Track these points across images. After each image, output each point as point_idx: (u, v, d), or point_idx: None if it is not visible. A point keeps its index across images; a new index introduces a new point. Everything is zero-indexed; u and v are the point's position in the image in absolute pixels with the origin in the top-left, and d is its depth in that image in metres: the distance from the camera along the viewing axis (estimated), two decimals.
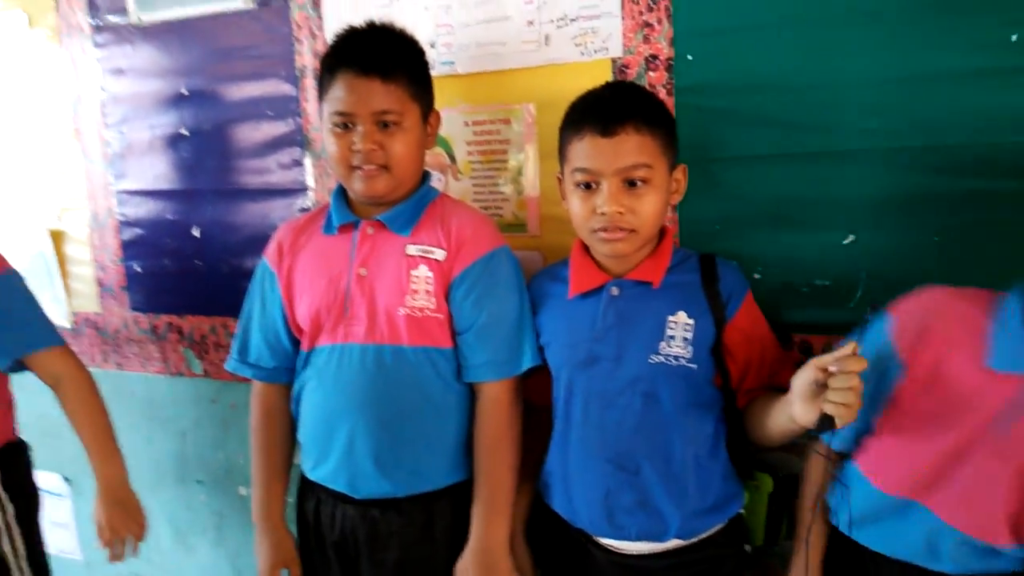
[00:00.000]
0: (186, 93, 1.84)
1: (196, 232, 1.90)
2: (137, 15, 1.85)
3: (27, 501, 1.62)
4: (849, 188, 1.31)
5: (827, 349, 1.07)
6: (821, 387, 1.03)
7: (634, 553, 1.27)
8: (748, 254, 1.39)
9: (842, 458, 1.20)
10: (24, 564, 1.59)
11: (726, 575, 1.29)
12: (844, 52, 1.28)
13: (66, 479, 2.23)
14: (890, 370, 1.09)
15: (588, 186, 1.22)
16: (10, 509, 1.57)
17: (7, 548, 1.57)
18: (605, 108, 1.22)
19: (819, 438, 1.13)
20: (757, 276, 1.40)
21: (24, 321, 1.55)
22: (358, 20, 1.37)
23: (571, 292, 1.30)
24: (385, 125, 1.30)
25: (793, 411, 1.09)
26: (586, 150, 1.21)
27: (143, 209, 1.95)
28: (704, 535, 1.27)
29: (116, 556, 1.58)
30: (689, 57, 1.39)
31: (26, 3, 2.00)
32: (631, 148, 1.19)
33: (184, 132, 1.86)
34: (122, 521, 1.57)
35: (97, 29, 1.92)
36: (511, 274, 1.36)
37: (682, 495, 1.24)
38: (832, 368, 1.02)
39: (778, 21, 1.32)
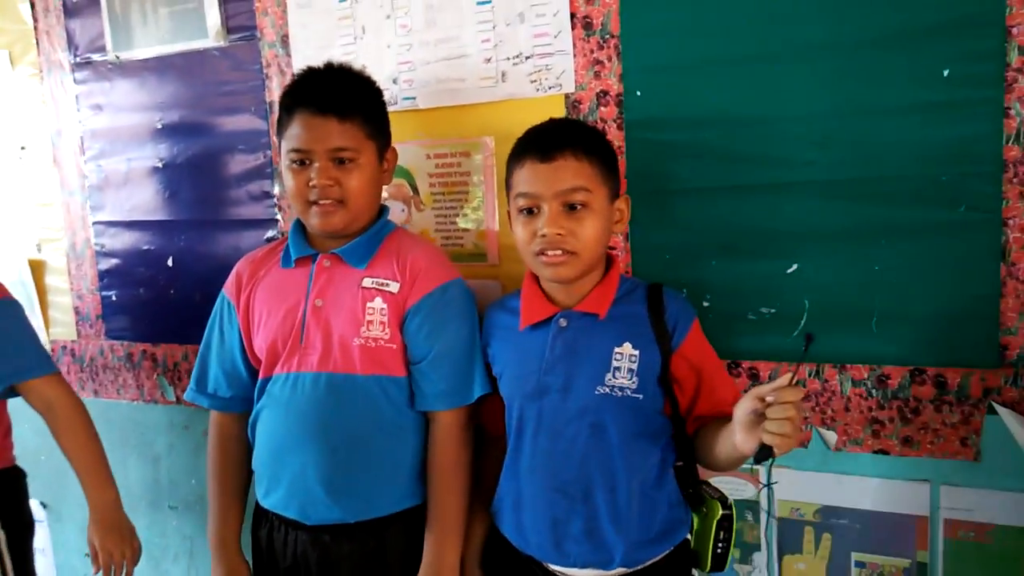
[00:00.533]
0: (160, 127, 1.88)
1: (170, 262, 1.92)
2: (114, 53, 1.89)
3: (21, 529, 1.63)
4: (792, 218, 1.34)
5: (773, 376, 1.08)
6: (760, 416, 1.05)
7: None
8: (697, 282, 1.41)
9: None
10: None
11: None
12: (786, 87, 1.31)
13: (43, 505, 2.23)
14: None
15: (531, 211, 1.24)
16: (1, 536, 1.58)
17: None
18: (545, 137, 1.25)
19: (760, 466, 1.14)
20: (706, 304, 1.41)
21: (20, 348, 1.58)
22: (324, 57, 1.40)
23: (521, 324, 1.31)
24: (341, 162, 1.32)
25: (735, 440, 1.10)
26: (527, 176, 1.24)
27: (119, 240, 1.98)
28: (649, 562, 1.27)
29: None
30: (638, 93, 1.42)
31: (9, 42, 2.04)
32: (569, 173, 1.21)
33: (159, 164, 1.89)
34: (116, 545, 1.58)
35: (76, 66, 1.96)
36: (463, 306, 1.38)
37: (627, 524, 1.24)
38: (769, 398, 1.03)
39: (722, 58, 1.35)
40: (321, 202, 1.32)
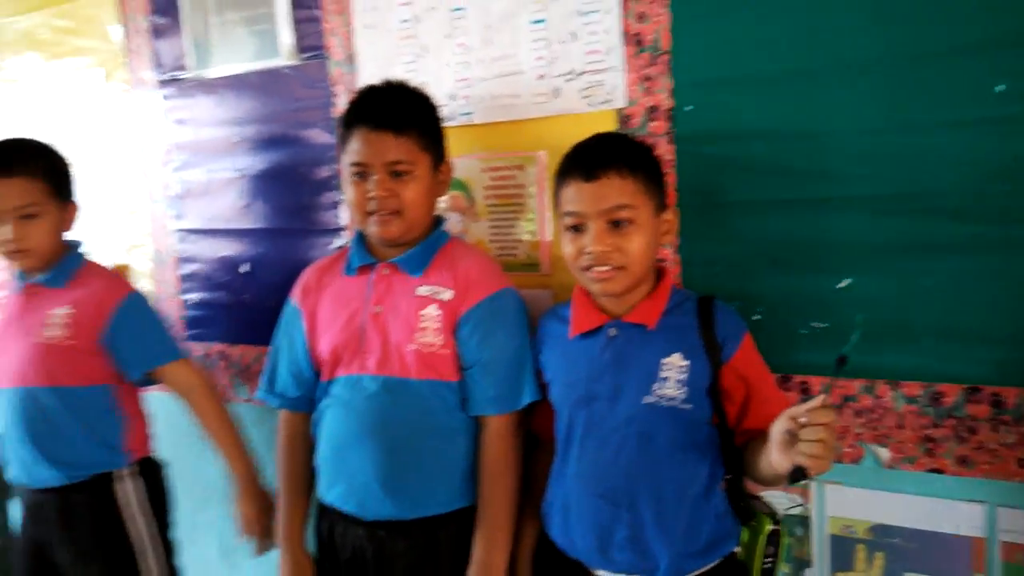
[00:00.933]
0: (237, 140, 1.97)
1: (245, 268, 2.02)
2: (196, 71, 2.00)
3: (162, 518, 1.76)
4: (844, 233, 1.32)
5: (827, 390, 1.07)
6: (794, 437, 1.05)
7: None
8: (749, 295, 1.41)
9: None
10: None
11: None
12: (836, 103, 1.30)
13: None
14: None
15: (577, 228, 1.27)
16: (153, 525, 1.72)
17: (149, 564, 1.70)
18: (588, 155, 1.27)
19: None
20: (757, 317, 1.41)
21: (155, 336, 1.72)
22: (388, 75, 1.47)
23: (572, 332, 1.34)
24: (397, 174, 1.38)
25: (772, 459, 1.10)
26: (572, 195, 1.26)
27: (199, 246, 2.09)
28: (696, 573, 1.27)
29: (263, 547, 1.71)
30: (688, 108, 1.42)
31: (102, 60, 2.17)
32: (613, 190, 1.23)
33: (236, 176, 1.99)
34: (252, 515, 1.71)
35: (163, 83, 2.08)
36: (515, 314, 1.42)
37: (673, 534, 1.25)
38: (802, 419, 1.03)
39: (773, 73, 1.34)
40: (379, 213, 1.38)
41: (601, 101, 1.49)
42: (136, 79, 2.12)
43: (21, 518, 1.74)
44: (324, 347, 1.47)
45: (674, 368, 1.26)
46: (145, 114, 2.13)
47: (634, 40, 1.45)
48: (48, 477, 1.64)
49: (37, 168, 1.64)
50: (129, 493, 1.68)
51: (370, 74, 1.73)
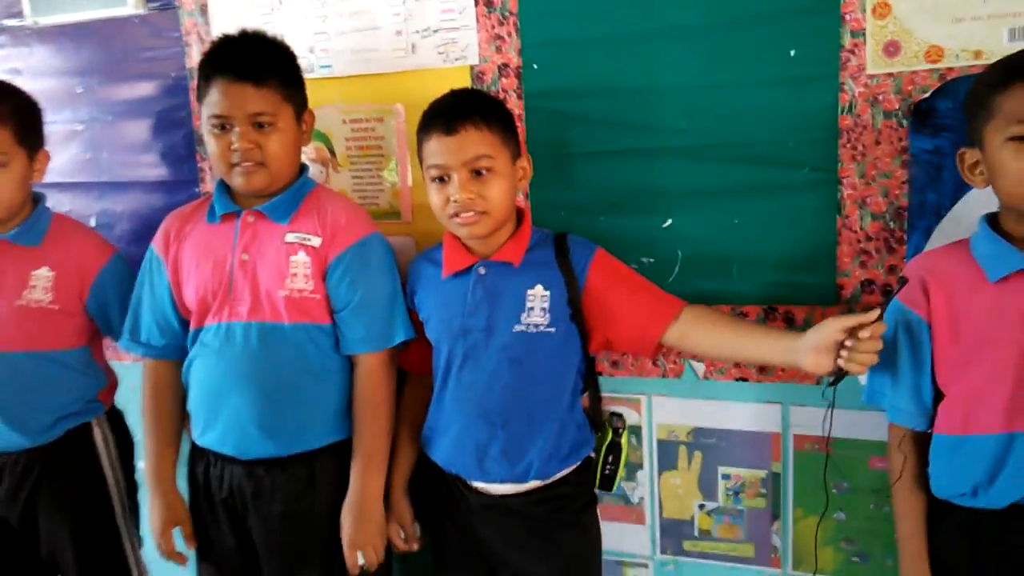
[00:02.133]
0: (80, 92, 1.89)
1: (92, 222, 1.94)
2: (33, 18, 1.88)
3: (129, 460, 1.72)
4: (666, 179, 1.49)
5: (882, 307, 1.13)
6: (839, 344, 1.16)
7: (500, 493, 1.41)
8: (589, 235, 1.51)
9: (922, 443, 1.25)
10: None
11: (577, 509, 1.44)
12: (662, 63, 1.45)
13: None
14: (920, 333, 1.20)
15: (442, 179, 1.35)
16: (120, 468, 1.69)
17: (122, 503, 1.68)
18: (448, 110, 1.35)
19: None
20: None
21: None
22: (243, 26, 1.45)
23: (444, 273, 1.42)
24: (260, 125, 1.37)
25: (801, 359, 1.20)
26: (435, 148, 1.34)
27: None
28: (559, 475, 1.42)
29: None
30: (535, 66, 1.53)
31: None
32: (473, 142, 1.32)
33: (79, 128, 1.90)
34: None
35: None
36: (382, 258, 1.47)
37: (542, 444, 1.38)
38: (863, 333, 1.12)
39: (608, 36, 1.48)
40: (243, 164, 1.38)
41: (456, 58, 1.57)
42: None
43: None
44: (190, 295, 1.46)
45: (537, 298, 1.38)
46: None
47: (485, 1, 1.54)
48: (27, 439, 1.57)
49: (5, 111, 1.49)
50: (103, 440, 1.64)
51: (224, 25, 1.71)
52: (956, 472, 1.19)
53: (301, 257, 1.42)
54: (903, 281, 1.14)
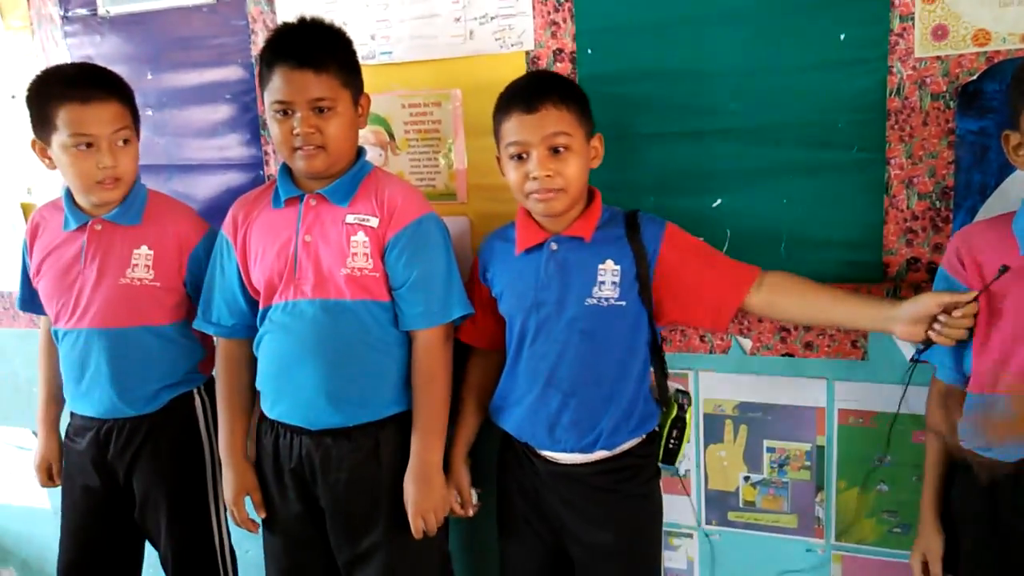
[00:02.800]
0: (151, 78, 1.96)
1: None
2: (105, 8, 1.96)
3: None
4: (717, 160, 1.52)
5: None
6: (930, 317, 1.22)
7: (568, 462, 1.46)
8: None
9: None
10: None
11: (641, 480, 1.49)
12: (712, 46, 1.49)
13: (34, 433, 2.31)
14: None
15: (520, 157, 1.39)
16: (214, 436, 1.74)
17: (215, 469, 1.73)
18: (528, 90, 1.39)
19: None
20: None
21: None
22: (306, 14, 1.50)
23: (517, 249, 1.47)
24: (320, 110, 1.42)
25: (894, 327, 1.26)
26: (515, 126, 1.38)
27: None
28: (625, 447, 1.46)
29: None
30: (589, 51, 1.58)
31: None
32: (552, 120, 1.36)
33: (149, 113, 1.98)
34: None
35: (67, 20, 2.02)
36: (438, 237, 1.51)
37: (611, 416, 1.43)
38: (956, 313, 1.19)
39: (659, 21, 1.51)
40: (304, 148, 1.43)
41: (512, 43, 1.62)
42: (38, 16, 2.05)
43: (74, 459, 1.72)
44: (258, 276, 1.53)
45: (608, 272, 1.42)
46: (48, 52, 2.06)
47: None
48: (134, 408, 1.65)
49: (128, 94, 1.62)
50: (202, 409, 1.72)
51: (289, 13, 1.77)
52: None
53: (360, 237, 1.47)
54: (1004, 269, 1.17)
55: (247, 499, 1.61)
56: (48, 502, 2.36)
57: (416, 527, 1.47)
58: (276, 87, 1.42)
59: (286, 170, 1.53)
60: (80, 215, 1.63)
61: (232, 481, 1.59)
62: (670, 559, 1.70)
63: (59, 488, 1.79)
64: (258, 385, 1.58)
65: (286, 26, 1.48)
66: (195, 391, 1.73)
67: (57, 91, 1.55)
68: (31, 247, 1.70)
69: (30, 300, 1.75)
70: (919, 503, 1.37)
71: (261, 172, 1.90)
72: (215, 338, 1.65)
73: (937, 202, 1.41)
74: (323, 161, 1.45)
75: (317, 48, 1.43)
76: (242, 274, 1.56)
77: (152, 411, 1.66)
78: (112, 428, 1.66)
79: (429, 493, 1.48)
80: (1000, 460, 1.22)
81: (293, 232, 1.50)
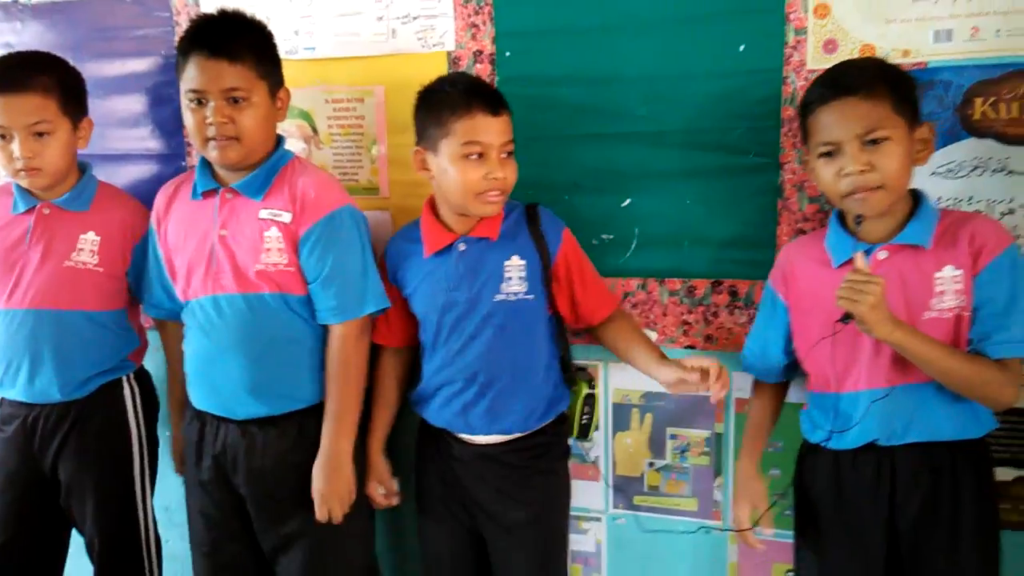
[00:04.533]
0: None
1: None
2: None
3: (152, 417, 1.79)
4: (627, 162, 1.56)
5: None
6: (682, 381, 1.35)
7: (482, 443, 1.50)
8: (556, 214, 1.62)
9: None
10: None
11: (552, 458, 1.55)
12: (624, 54, 1.53)
13: None
14: (778, 310, 1.39)
15: (480, 155, 1.39)
16: (143, 424, 1.74)
17: (142, 458, 1.73)
18: (492, 93, 1.42)
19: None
20: None
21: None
22: (227, 7, 1.49)
23: (426, 252, 1.48)
24: (235, 100, 1.40)
25: (660, 376, 1.41)
26: (479, 126, 1.38)
27: None
28: (537, 428, 1.51)
29: None
30: (507, 53, 1.60)
31: None
32: (508, 126, 1.41)
33: None
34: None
35: None
36: (352, 230, 1.48)
37: (523, 402, 1.48)
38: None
39: (575, 27, 1.55)
40: (218, 139, 1.40)
41: (433, 43, 1.64)
42: None
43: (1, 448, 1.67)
44: (179, 266, 1.52)
45: (515, 267, 1.45)
46: None
47: None
48: (63, 393, 1.62)
49: (51, 82, 1.55)
50: (130, 396, 1.69)
51: (213, 6, 1.74)
52: (818, 421, 1.37)
53: (274, 232, 1.45)
54: (846, 319, 1.23)
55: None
56: None
57: (321, 514, 1.47)
58: (191, 76, 1.40)
59: (205, 162, 1.51)
60: (29, 198, 1.61)
61: (175, 441, 1.72)
62: (579, 543, 1.74)
63: None
64: (187, 377, 1.57)
65: (204, 16, 1.47)
66: (124, 379, 1.71)
67: None
68: None
69: None
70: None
71: (183, 163, 1.87)
72: (161, 322, 1.67)
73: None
74: (237, 152, 1.43)
75: (233, 38, 1.41)
76: (165, 263, 1.55)
77: (81, 396, 1.64)
78: (39, 414, 1.64)
79: (335, 482, 1.47)
80: (840, 448, 1.33)
81: (210, 225, 1.48)
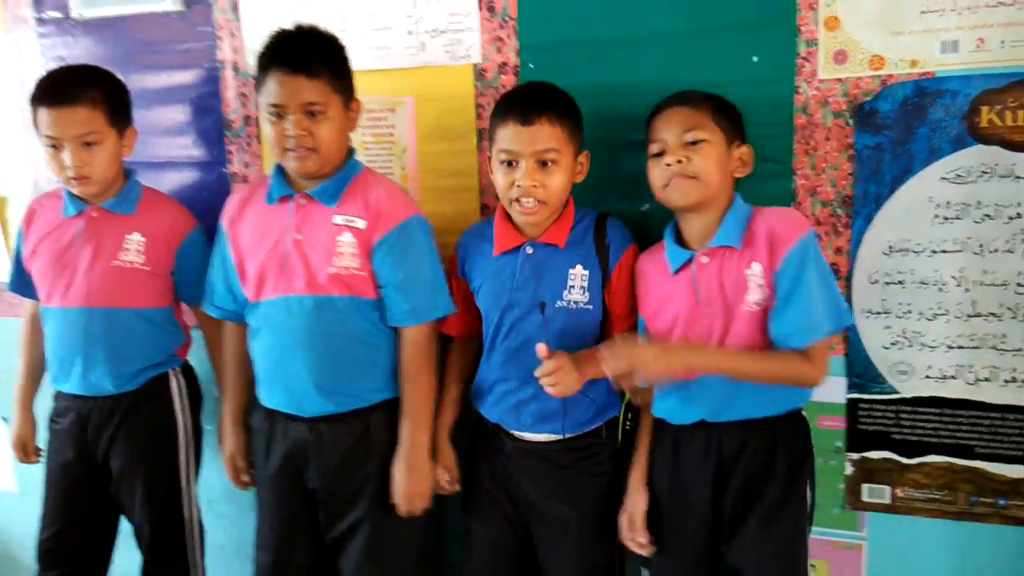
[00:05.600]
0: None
1: None
2: (78, 11, 2.02)
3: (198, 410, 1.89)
4: (644, 167, 1.62)
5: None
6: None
7: (533, 440, 1.56)
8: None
9: None
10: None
11: (600, 460, 1.58)
12: (643, 64, 1.61)
13: (3, 419, 2.35)
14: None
15: (510, 164, 1.46)
16: (189, 416, 1.83)
17: (188, 449, 1.83)
18: (526, 101, 1.47)
19: None
20: None
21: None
22: (271, 24, 1.57)
23: (495, 251, 1.55)
24: (312, 114, 1.46)
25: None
26: (509, 135, 1.44)
27: None
28: (588, 430, 1.56)
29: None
30: (531, 65, 1.68)
31: None
32: (545, 135, 1.43)
33: None
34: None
35: (40, 22, 2.07)
36: (423, 238, 1.56)
37: (574, 406, 1.52)
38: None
39: (596, 40, 1.63)
40: (296, 150, 1.47)
41: (461, 56, 1.72)
42: (12, 17, 2.10)
43: (56, 439, 1.78)
44: (251, 268, 1.58)
45: (578, 277, 1.51)
46: (21, 51, 2.11)
47: (487, 6, 1.69)
48: (115, 386, 1.72)
49: (98, 95, 1.65)
50: (177, 389, 1.79)
51: (253, 23, 1.86)
52: (661, 400, 1.49)
53: (347, 238, 1.52)
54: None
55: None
56: (16, 485, 2.39)
57: (404, 511, 1.55)
58: (271, 91, 1.47)
59: (280, 168, 1.57)
60: (78, 203, 1.71)
61: (229, 444, 1.71)
62: None
63: (28, 470, 1.86)
64: (256, 373, 1.63)
65: (282, 32, 1.51)
66: (171, 372, 1.80)
67: (36, 94, 1.65)
68: (27, 232, 1.77)
69: (19, 282, 1.82)
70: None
71: (224, 170, 1.97)
72: (222, 322, 1.72)
73: (838, 209, 1.54)
74: (314, 162, 1.50)
75: (310, 54, 1.47)
76: (235, 265, 1.61)
77: (131, 390, 1.74)
78: (93, 407, 1.74)
79: (417, 479, 1.55)
80: (678, 424, 1.46)
81: (284, 229, 1.55)
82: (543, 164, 1.44)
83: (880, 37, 1.45)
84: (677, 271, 1.42)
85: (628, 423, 1.61)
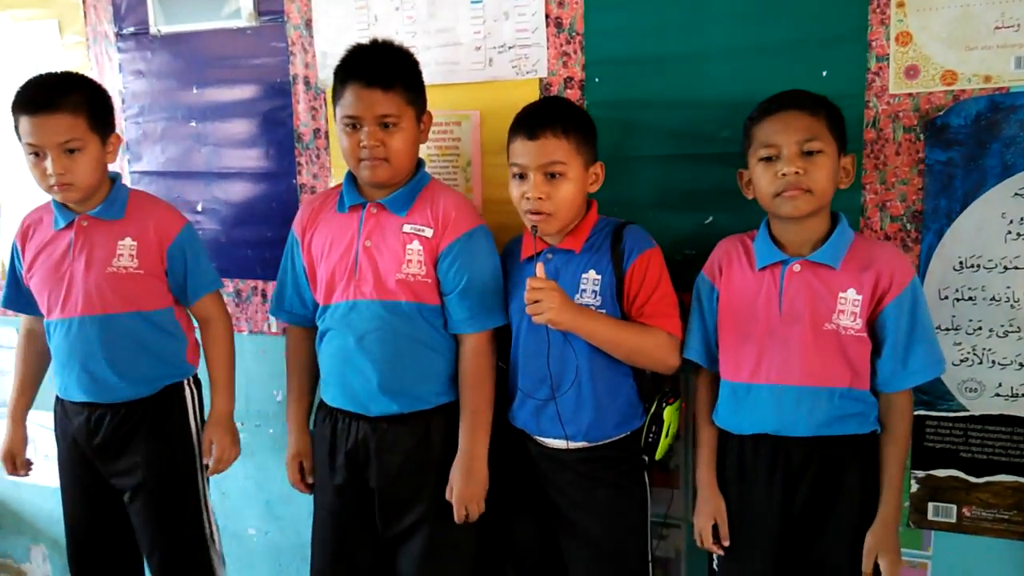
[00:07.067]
0: (195, 92, 2.10)
1: (200, 207, 2.15)
2: (157, 27, 2.11)
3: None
4: (709, 181, 1.65)
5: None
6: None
7: (553, 446, 1.59)
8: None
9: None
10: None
11: (622, 471, 1.59)
12: (709, 80, 1.62)
13: None
14: (711, 296, 1.50)
15: (521, 176, 1.51)
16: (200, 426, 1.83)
17: (201, 460, 1.82)
18: (532, 118, 1.51)
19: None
20: None
21: (205, 265, 1.81)
22: (343, 40, 1.64)
23: (521, 256, 1.61)
24: (386, 126, 1.52)
25: None
26: (518, 149, 1.51)
27: (153, 187, 2.19)
28: (608, 440, 1.58)
29: (217, 470, 1.83)
30: (596, 80, 1.71)
31: (58, 12, 2.22)
32: (550, 148, 1.47)
33: (193, 125, 2.12)
34: (229, 443, 1.83)
35: (120, 37, 2.16)
36: (486, 248, 1.61)
37: (589, 411, 1.54)
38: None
39: (662, 55, 1.65)
40: (370, 160, 1.53)
41: (527, 71, 1.76)
42: (94, 32, 2.20)
43: (66, 449, 1.80)
44: (322, 274, 1.64)
45: (590, 281, 1.54)
46: (102, 65, 2.20)
47: (555, 22, 1.72)
48: (129, 393, 1.73)
49: (80, 101, 1.63)
50: (191, 398, 1.82)
51: (326, 39, 1.92)
52: (724, 408, 1.49)
53: (416, 246, 1.57)
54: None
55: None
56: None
57: (460, 515, 1.58)
58: (347, 103, 1.52)
59: (351, 177, 1.63)
60: (68, 213, 1.71)
61: (293, 445, 1.75)
62: (660, 548, 1.81)
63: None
64: (322, 374, 1.69)
65: (360, 47, 1.57)
66: (185, 382, 1.81)
67: (16, 102, 1.64)
68: (23, 248, 1.77)
69: (15, 298, 1.82)
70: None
71: (293, 181, 2.04)
72: (286, 326, 1.78)
73: (908, 224, 1.53)
74: (386, 172, 1.55)
75: (386, 68, 1.53)
76: (307, 270, 1.67)
77: (144, 396, 1.74)
78: (104, 414, 1.74)
79: (472, 483, 1.58)
80: (741, 434, 1.47)
81: (355, 236, 1.60)
82: (551, 176, 1.47)
83: (953, 52, 1.45)
84: (764, 268, 1.43)
85: (652, 434, 1.60)
